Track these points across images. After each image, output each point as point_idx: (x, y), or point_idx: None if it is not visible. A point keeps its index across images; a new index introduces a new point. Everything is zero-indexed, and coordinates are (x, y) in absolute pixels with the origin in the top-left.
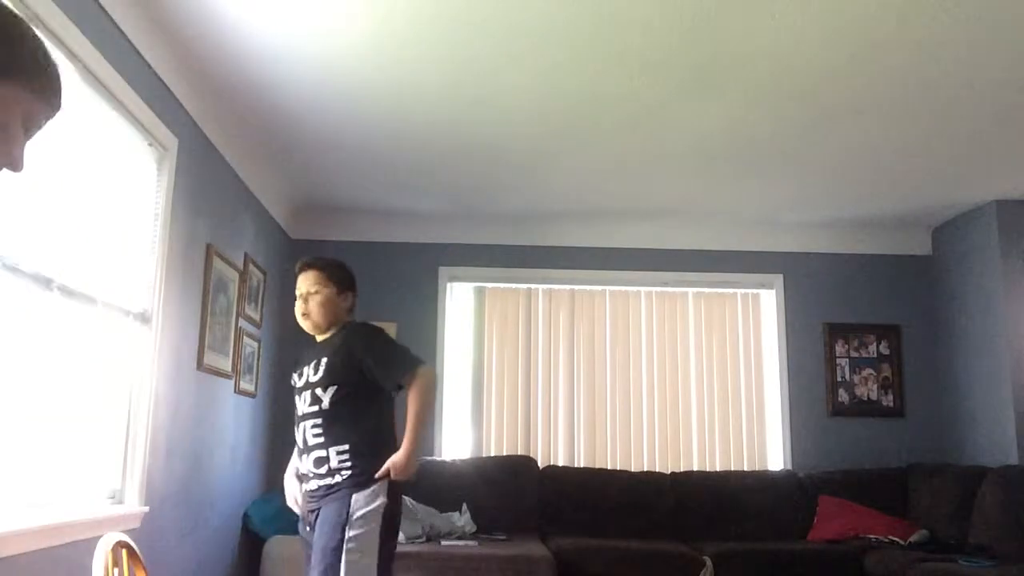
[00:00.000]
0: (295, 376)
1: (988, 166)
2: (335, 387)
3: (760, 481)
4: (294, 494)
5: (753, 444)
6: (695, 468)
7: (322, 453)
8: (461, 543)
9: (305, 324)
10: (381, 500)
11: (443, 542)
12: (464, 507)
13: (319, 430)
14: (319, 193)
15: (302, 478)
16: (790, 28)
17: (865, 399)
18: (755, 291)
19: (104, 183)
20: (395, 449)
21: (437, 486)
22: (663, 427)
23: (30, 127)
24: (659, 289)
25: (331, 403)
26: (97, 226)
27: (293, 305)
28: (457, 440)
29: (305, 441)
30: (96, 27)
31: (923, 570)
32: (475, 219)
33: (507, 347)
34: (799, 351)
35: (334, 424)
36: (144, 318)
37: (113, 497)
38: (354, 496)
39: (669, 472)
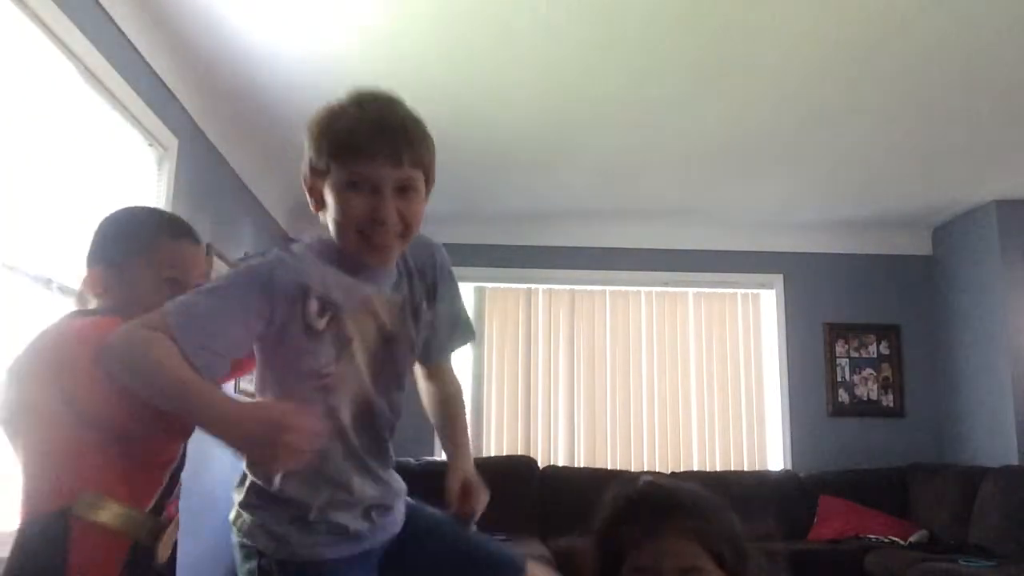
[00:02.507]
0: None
1: (988, 166)
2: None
3: (760, 481)
4: None
5: (753, 444)
6: (695, 468)
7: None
8: None
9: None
10: None
11: None
12: None
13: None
14: None
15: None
16: (790, 28)
17: (865, 399)
18: (755, 291)
19: (104, 183)
20: None
21: (437, 486)
22: (663, 427)
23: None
24: (659, 289)
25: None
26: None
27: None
28: None
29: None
30: (96, 27)
31: (923, 570)
32: (474, 219)
33: (507, 347)
34: (799, 351)
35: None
36: None
37: None
38: None
39: (669, 472)
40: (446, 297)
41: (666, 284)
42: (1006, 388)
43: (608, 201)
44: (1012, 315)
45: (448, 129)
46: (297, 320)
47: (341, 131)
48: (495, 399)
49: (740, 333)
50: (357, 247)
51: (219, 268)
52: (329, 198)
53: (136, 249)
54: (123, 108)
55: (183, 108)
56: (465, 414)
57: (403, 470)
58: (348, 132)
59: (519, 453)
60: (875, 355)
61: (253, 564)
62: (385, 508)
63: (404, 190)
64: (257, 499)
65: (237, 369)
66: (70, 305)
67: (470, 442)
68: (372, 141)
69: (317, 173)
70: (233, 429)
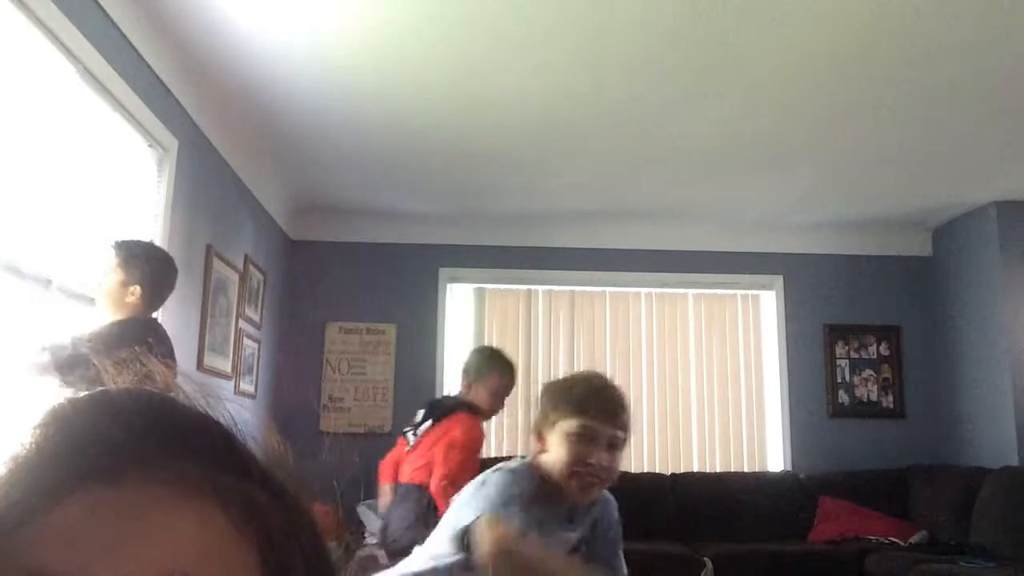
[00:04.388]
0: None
1: (988, 166)
2: None
3: (760, 482)
4: None
5: (753, 445)
6: (695, 469)
7: None
8: None
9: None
10: None
11: None
12: None
13: None
14: (319, 194)
15: None
16: (790, 29)
17: (865, 400)
18: (755, 292)
19: (104, 184)
20: None
21: None
22: (663, 428)
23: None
24: (659, 290)
25: None
26: (97, 227)
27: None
28: None
29: None
30: (96, 27)
31: (923, 571)
32: (475, 220)
33: (507, 348)
34: (799, 352)
35: None
36: None
37: None
38: None
39: (669, 473)
40: (608, 548)
41: (666, 285)
42: (1006, 389)
43: (608, 202)
44: (1012, 316)
45: (448, 129)
46: None
47: (576, 395)
48: None
49: (740, 334)
50: (567, 484)
51: (219, 269)
52: (555, 442)
53: (496, 370)
54: (123, 109)
55: (183, 109)
56: None
57: None
58: (582, 396)
59: (519, 455)
60: (875, 356)
61: None
62: None
63: (612, 446)
64: None
65: None
66: (71, 306)
67: None
68: (598, 403)
69: (547, 423)
70: None
